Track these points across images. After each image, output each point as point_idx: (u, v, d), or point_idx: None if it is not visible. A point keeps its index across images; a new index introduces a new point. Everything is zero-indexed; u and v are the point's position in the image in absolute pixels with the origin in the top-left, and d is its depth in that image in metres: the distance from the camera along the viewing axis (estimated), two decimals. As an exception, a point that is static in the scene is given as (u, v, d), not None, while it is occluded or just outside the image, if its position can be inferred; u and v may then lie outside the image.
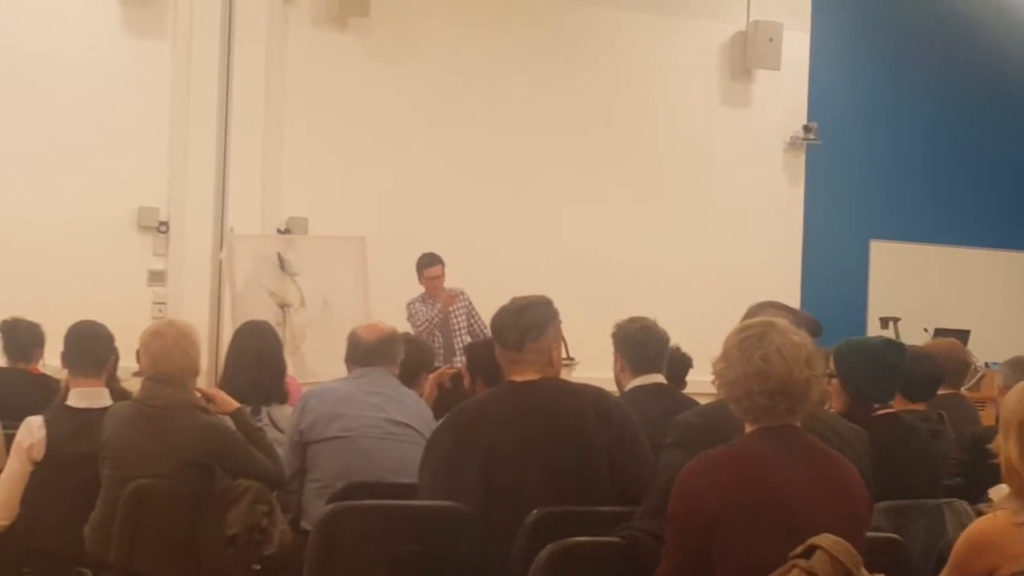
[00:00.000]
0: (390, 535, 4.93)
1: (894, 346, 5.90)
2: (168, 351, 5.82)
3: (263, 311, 10.28)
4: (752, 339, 3.87)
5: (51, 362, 7.21)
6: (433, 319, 11.34)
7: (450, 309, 11.42)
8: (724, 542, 3.71)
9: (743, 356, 3.85)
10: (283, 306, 10.86)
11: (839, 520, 3.64)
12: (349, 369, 6.14)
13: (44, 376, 7.72)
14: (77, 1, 11.83)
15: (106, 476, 5.71)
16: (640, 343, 6.51)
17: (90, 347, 6.25)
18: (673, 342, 7.94)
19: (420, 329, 11.14)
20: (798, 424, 3.90)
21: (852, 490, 3.91)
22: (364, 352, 6.06)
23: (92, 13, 11.82)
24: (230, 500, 5.50)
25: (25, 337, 7.87)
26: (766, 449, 3.84)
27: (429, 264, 11.47)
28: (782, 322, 3.96)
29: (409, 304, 11.50)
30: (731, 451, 3.87)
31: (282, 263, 11.01)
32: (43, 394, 7.02)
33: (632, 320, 6.58)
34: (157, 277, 11.94)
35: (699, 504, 3.75)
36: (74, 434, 5.96)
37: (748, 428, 3.93)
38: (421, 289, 11.54)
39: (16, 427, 6.12)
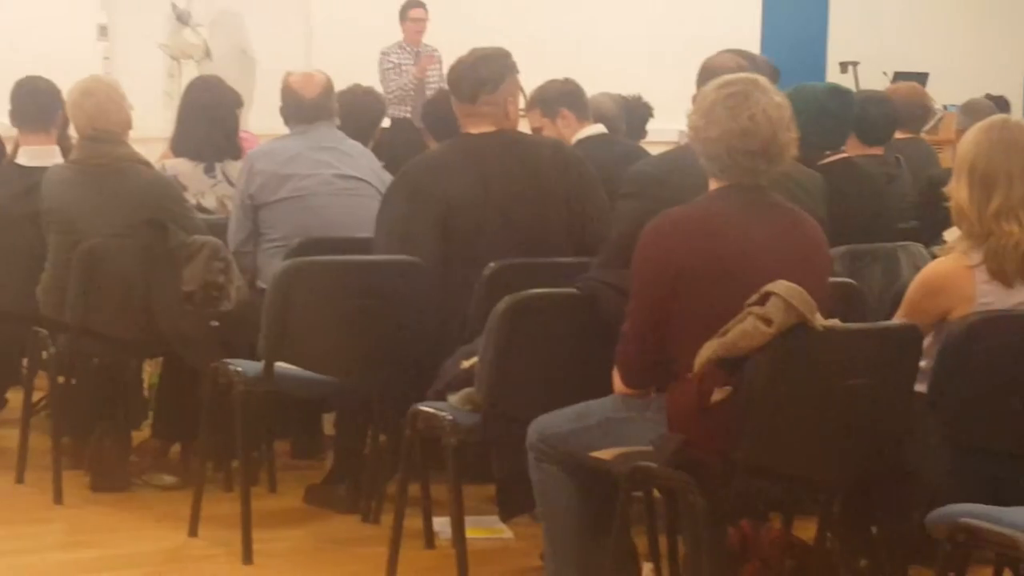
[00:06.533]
0: (347, 290, 4.95)
1: (839, 92, 5.84)
2: (104, 107, 5.72)
3: (148, 65, 10.10)
4: (738, 97, 3.78)
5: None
6: (407, 86, 11.37)
7: (427, 71, 11.49)
8: (688, 298, 3.71)
9: (729, 114, 3.76)
10: (179, 58, 10.62)
11: (802, 277, 3.63)
12: (288, 124, 6.04)
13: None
14: None
15: (53, 240, 5.65)
16: (576, 93, 6.51)
17: (38, 102, 6.15)
18: (634, 91, 7.94)
19: (391, 95, 11.07)
20: (764, 183, 3.86)
21: (815, 247, 3.91)
22: (308, 108, 5.95)
23: None
24: (185, 257, 5.45)
25: None
26: (732, 207, 3.80)
27: (414, 6, 11.65)
28: (764, 79, 3.89)
29: (384, 55, 11.54)
30: (696, 209, 3.84)
31: (179, 15, 10.71)
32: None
33: (550, 80, 6.56)
34: (106, 32, 11.70)
35: (664, 262, 3.74)
36: (25, 192, 5.86)
37: (713, 184, 3.89)
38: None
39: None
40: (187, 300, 5.42)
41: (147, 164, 5.88)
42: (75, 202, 5.62)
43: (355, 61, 10.93)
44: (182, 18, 10.66)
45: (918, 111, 7.63)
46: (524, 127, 5.82)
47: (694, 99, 4.37)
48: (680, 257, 3.72)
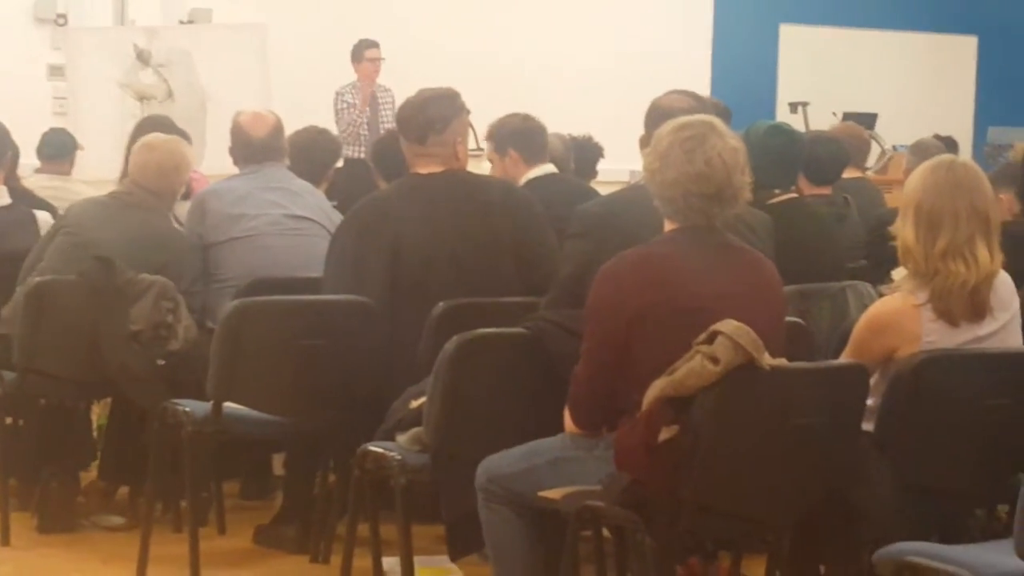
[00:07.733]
0: (296, 330, 4.94)
1: (778, 131, 5.83)
2: (148, 165, 5.80)
3: (107, 106, 10.08)
4: (694, 140, 3.79)
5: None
6: (356, 120, 11.48)
7: (379, 105, 11.58)
8: (644, 340, 3.71)
9: (685, 157, 3.77)
10: (141, 99, 10.58)
11: (757, 318, 3.64)
12: (238, 164, 6.04)
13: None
14: None
15: (57, 243, 5.66)
16: (528, 133, 6.52)
17: None
18: (583, 131, 7.97)
19: (344, 131, 11.14)
20: (717, 224, 3.88)
21: (770, 288, 3.92)
22: (257, 148, 5.95)
23: None
24: (133, 296, 5.44)
25: None
26: (687, 249, 3.82)
27: (370, 46, 11.74)
28: (719, 122, 3.89)
29: (338, 95, 11.63)
30: (651, 251, 3.84)
31: (139, 54, 10.68)
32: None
33: (511, 115, 6.58)
34: (57, 71, 11.67)
35: (619, 304, 3.74)
36: (-26, 231, 5.88)
37: (668, 225, 3.90)
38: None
39: None
40: (134, 339, 5.40)
41: (165, 217, 5.90)
42: (96, 218, 5.69)
43: (313, 101, 10.97)
44: (142, 58, 10.62)
45: (863, 146, 7.88)
46: (474, 166, 5.84)
47: (642, 141, 4.40)
48: (635, 299, 3.72)
